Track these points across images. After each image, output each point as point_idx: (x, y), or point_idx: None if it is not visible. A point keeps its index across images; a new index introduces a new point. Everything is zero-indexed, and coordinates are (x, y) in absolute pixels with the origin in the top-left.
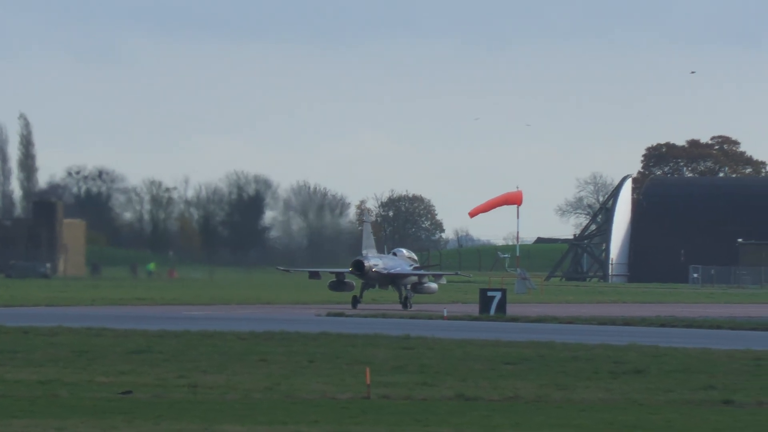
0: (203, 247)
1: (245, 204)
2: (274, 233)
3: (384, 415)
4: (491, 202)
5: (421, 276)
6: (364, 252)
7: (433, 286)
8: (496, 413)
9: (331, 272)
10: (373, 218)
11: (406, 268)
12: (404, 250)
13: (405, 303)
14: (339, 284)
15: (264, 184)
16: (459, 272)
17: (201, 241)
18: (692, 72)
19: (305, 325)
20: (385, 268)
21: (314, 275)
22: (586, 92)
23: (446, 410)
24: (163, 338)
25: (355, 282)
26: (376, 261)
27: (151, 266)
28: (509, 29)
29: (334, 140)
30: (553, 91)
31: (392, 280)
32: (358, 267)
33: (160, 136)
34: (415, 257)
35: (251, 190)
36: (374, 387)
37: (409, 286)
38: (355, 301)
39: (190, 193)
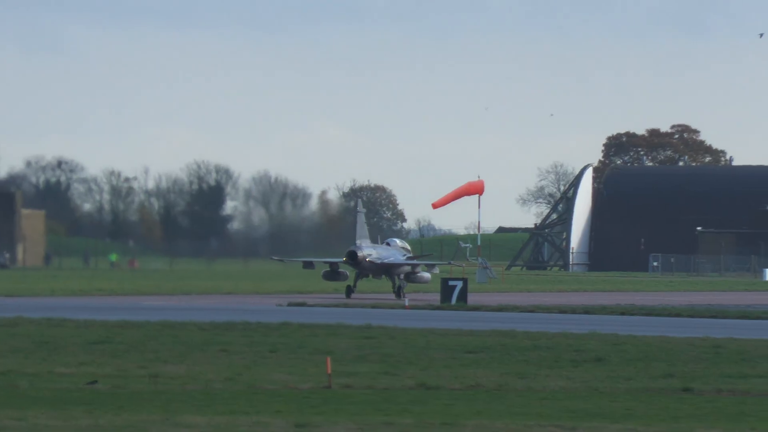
0: (163, 238)
1: (206, 194)
2: (235, 223)
3: (346, 404)
4: (454, 193)
5: (414, 265)
6: (357, 242)
7: (426, 275)
8: (457, 402)
9: (325, 262)
10: (364, 209)
11: (400, 258)
12: (397, 240)
13: (398, 292)
14: (333, 274)
15: (225, 174)
16: (452, 262)
17: (161, 231)
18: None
19: (266, 315)
20: (378, 258)
21: (308, 265)
22: (546, 82)
23: (408, 399)
24: (123, 329)
25: (349, 272)
26: (369, 251)
27: (113, 257)
28: (463, 17)
29: (291, 130)
30: (514, 80)
31: (386, 269)
32: (352, 257)
33: (119, 127)
34: (408, 247)
35: (212, 180)
36: (336, 377)
37: (402, 276)
38: (349, 291)
39: (150, 183)
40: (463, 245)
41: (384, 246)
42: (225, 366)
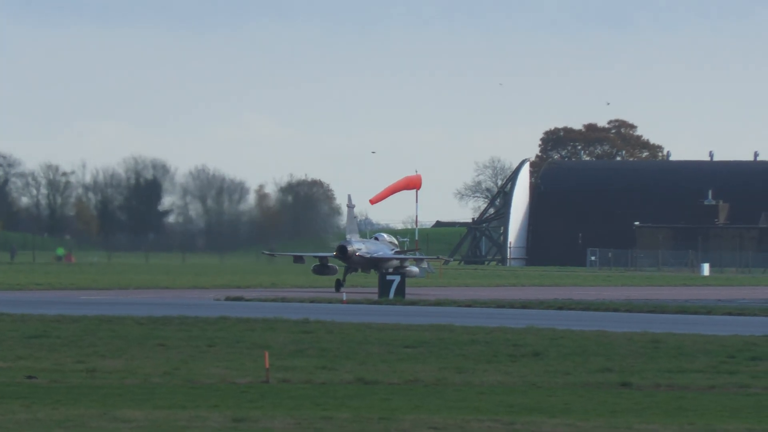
0: (101, 232)
1: (143, 189)
2: (172, 218)
3: (283, 398)
4: (391, 188)
5: (402, 260)
6: (347, 236)
7: (415, 269)
8: (395, 396)
9: (315, 256)
10: (354, 204)
11: (388, 253)
12: (385, 235)
13: None
14: (323, 268)
15: (162, 169)
16: (440, 256)
17: (98, 225)
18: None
19: (204, 310)
20: (368, 252)
21: (298, 259)
22: (483, 75)
23: (346, 394)
24: (60, 323)
25: (339, 266)
26: (359, 245)
27: (60, 251)
28: (394, 10)
29: (226, 125)
30: (451, 73)
31: (375, 263)
32: (342, 251)
33: (56, 122)
34: (396, 242)
35: (149, 174)
36: (273, 371)
37: (391, 270)
38: (339, 285)
39: (88, 178)
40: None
41: (373, 240)
42: (163, 360)
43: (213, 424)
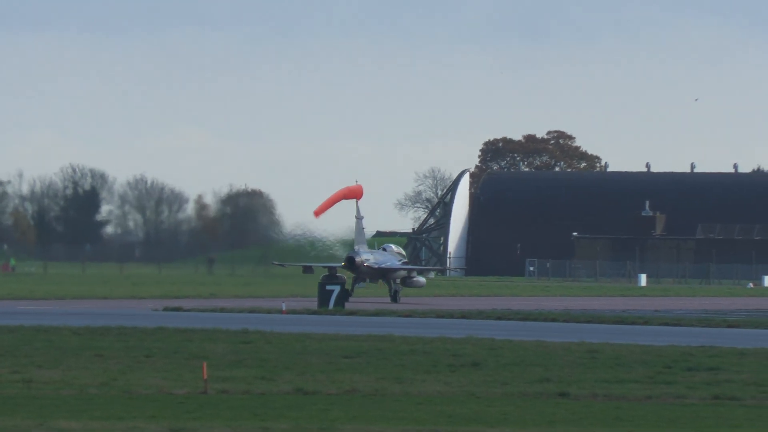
0: (38, 242)
1: (81, 198)
2: (110, 228)
3: (222, 409)
4: (332, 198)
5: (410, 270)
6: (356, 247)
7: (422, 280)
8: (334, 407)
9: (324, 267)
10: (363, 216)
11: (396, 263)
12: (393, 246)
13: (394, 296)
14: (331, 278)
15: (100, 179)
16: (448, 267)
17: (35, 235)
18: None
19: (142, 320)
20: (376, 263)
21: (308, 269)
22: (423, 85)
23: (284, 404)
24: None
25: (347, 276)
26: (367, 256)
27: (13, 261)
28: (324, 18)
29: (163, 135)
30: (390, 83)
31: (382, 274)
32: (351, 262)
33: None
34: (403, 252)
35: (87, 184)
36: (212, 382)
37: (398, 280)
38: (347, 295)
39: (25, 188)
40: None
41: (381, 251)
42: (100, 371)
43: None
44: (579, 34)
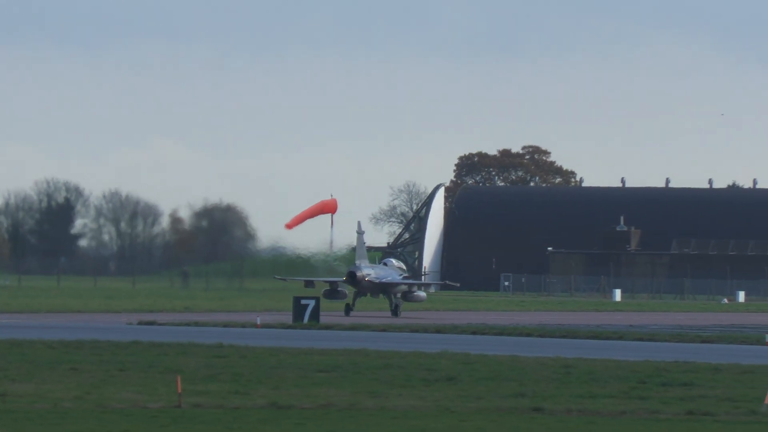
0: (12, 255)
1: (55, 212)
2: (84, 241)
3: (196, 423)
4: (307, 212)
5: (410, 285)
6: (357, 262)
7: (422, 294)
8: (308, 421)
9: (326, 281)
10: (364, 231)
11: (397, 278)
12: (394, 260)
13: (395, 311)
14: (333, 293)
15: (75, 192)
16: (448, 281)
17: (9, 249)
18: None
19: (116, 334)
20: (377, 278)
21: (309, 284)
22: (398, 100)
23: (259, 419)
24: None
25: (349, 291)
26: (368, 270)
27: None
28: (297, 32)
29: (134, 148)
30: (364, 97)
31: (383, 288)
32: (352, 276)
33: None
34: (404, 267)
35: (61, 197)
36: (186, 396)
37: (399, 295)
38: (348, 309)
39: None
40: (315, 265)
41: (381, 266)
42: (74, 384)
43: None
44: (554, 49)
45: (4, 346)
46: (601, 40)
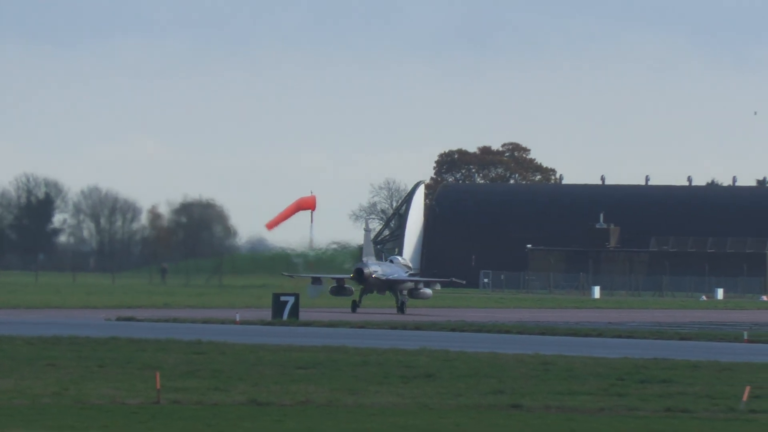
0: None
1: (34, 207)
2: (63, 237)
3: (174, 420)
4: (286, 211)
5: (416, 282)
6: (364, 259)
7: (428, 291)
8: (287, 418)
9: (333, 278)
10: (371, 228)
11: (403, 275)
12: (400, 258)
13: (401, 308)
14: (339, 289)
15: (54, 188)
16: (454, 279)
17: None
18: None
19: (95, 330)
20: (384, 275)
21: (316, 281)
22: (378, 97)
23: (238, 415)
24: None
25: (355, 287)
26: (375, 267)
27: None
28: (272, 30)
29: (113, 144)
30: (345, 94)
31: (390, 285)
32: (359, 273)
33: None
34: (410, 264)
35: (40, 193)
36: (165, 392)
37: (405, 292)
38: (355, 306)
39: None
40: (295, 261)
41: (388, 263)
42: (53, 380)
43: None
44: (535, 46)
45: None
46: (582, 37)
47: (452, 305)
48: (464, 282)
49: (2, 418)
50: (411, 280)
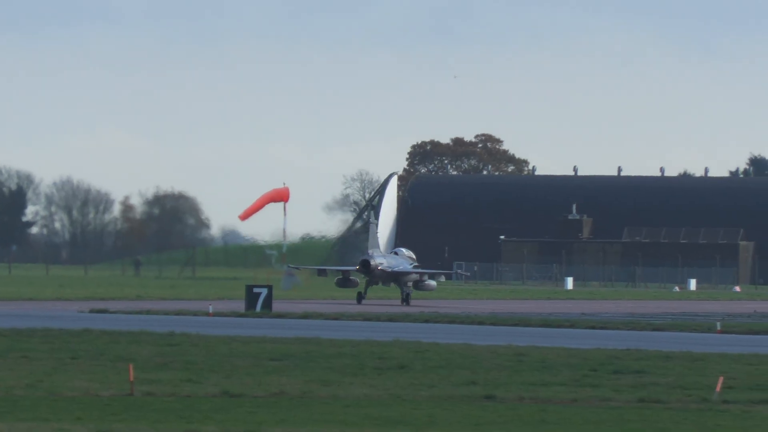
0: None
1: (6, 199)
2: (36, 229)
3: (148, 411)
4: (259, 202)
5: (421, 274)
6: (369, 251)
7: (433, 283)
8: (261, 409)
9: (338, 270)
10: (376, 221)
11: (408, 267)
12: (404, 250)
13: (406, 299)
14: (345, 281)
15: (26, 179)
16: (459, 271)
17: None
18: (455, 76)
19: (68, 322)
20: (389, 267)
21: (322, 273)
22: (350, 88)
23: (211, 407)
24: None
25: (360, 279)
26: (381, 260)
27: None
28: (251, 21)
29: (83, 136)
30: (316, 84)
31: (395, 277)
32: (365, 265)
33: None
34: (414, 256)
35: (13, 184)
36: (138, 384)
37: (410, 284)
38: (360, 297)
39: None
40: (268, 252)
41: (393, 255)
42: (26, 372)
43: None
44: (506, 38)
45: None
46: (555, 27)
47: (423, 297)
48: (468, 274)
49: None
50: (416, 272)
